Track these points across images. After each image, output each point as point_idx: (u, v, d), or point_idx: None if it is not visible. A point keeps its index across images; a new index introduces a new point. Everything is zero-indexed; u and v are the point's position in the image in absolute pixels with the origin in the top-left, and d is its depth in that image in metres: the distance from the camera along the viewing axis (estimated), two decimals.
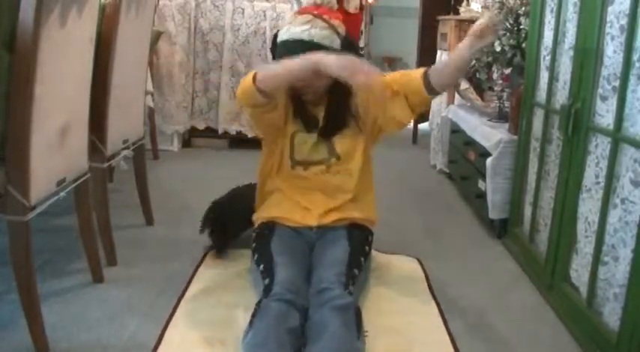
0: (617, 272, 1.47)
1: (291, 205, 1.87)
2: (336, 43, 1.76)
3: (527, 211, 2.17)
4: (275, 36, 1.85)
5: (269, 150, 1.92)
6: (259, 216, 1.90)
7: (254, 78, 1.64)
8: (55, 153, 1.51)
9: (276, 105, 1.74)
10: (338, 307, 1.44)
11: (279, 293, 1.49)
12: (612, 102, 1.51)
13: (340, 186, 1.87)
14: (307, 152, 1.86)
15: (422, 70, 1.80)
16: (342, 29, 1.80)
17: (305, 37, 1.72)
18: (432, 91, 1.78)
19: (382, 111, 1.81)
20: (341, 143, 1.86)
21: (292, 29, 1.75)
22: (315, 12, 1.78)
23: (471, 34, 1.73)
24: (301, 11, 1.84)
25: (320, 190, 1.87)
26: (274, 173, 1.91)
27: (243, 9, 3.77)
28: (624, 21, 1.46)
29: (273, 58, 1.87)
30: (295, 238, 1.81)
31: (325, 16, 1.77)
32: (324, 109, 1.84)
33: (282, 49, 1.76)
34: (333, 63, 1.56)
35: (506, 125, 2.51)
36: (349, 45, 1.81)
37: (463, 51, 1.74)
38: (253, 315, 1.46)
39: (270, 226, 1.83)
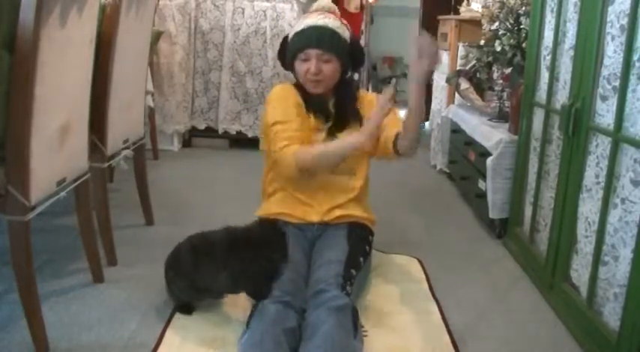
0: (617, 272, 1.47)
1: (294, 202, 1.88)
2: (346, 34, 1.86)
3: (528, 211, 2.16)
4: (284, 40, 1.92)
5: None
6: (262, 214, 1.91)
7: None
8: (55, 153, 1.51)
9: None
10: (334, 308, 1.45)
11: (276, 295, 1.49)
12: (612, 102, 1.51)
13: (344, 186, 1.88)
14: None
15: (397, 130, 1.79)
16: (349, 29, 1.90)
17: (321, 23, 1.81)
18: (397, 151, 1.79)
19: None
20: None
21: (306, 21, 1.85)
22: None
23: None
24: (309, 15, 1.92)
25: (323, 188, 1.87)
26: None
27: (243, 9, 3.77)
28: (624, 21, 1.46)
29: (283, 63, 1.94)
30: (296, 236, 1.81)
31: (335, 14, 1.89)
32: (333, 104, 1.90)
33: (298, 38, 1.83)
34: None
35: (507, 125, 2.51)
36: (355, 46, 1.90)
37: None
38: (250, 316, 1.46)
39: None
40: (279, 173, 1.84)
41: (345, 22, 1.92)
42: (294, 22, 3.76)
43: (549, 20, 2.02)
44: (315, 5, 1.92)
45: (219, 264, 1.55)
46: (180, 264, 1.62)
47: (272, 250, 1.58)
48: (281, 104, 1.84)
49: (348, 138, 1.75)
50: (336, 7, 1.93)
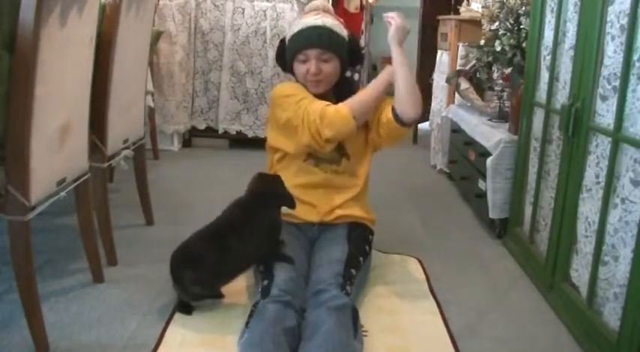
0: (617, 272, 1.47)
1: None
2: (344, 33, 1.86)
3: (528, 211, 2.16)
4: (281, 43, 1.91)
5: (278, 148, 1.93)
6: None
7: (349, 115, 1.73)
8: (55, 153, 1.51)
9: None
10: (334, 307, 1.45)
11: (276, 295, 1.49)
12: (612, 102, 1.51)
13: (344, 185, 1.89)
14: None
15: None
16: (346, 27, 1.90)
17: (318, 23, 1.81)
18: (399, 120, 1.78)
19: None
20: (350, 143, 1.86)
21: (304, 20, 1.84)
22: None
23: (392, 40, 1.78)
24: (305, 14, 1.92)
25: (324, 188, 1.87)
26: (284, 166, 1.91)
27: (243, 9, 3.77)
28: (624, 21, 1.46)
29: (282, 66, 1.93)
30: (297, 236, 1.82)
31: (330, 13, 1.88)
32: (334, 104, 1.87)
33: (296, 39, 1.82)
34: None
35: (507, 125, 2.51)
36: (353, 43, 1.90)
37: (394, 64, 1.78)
38: (250, 316, 1.46)
39: None
40: (335, 132, 1.72)
41: (341, 20, 1.92)
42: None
43: (549, 20, 2.02)
44: (308, 6, 1.92)
45: (236, 222, 1.67)
46: (187, 252, 1.64)
47: (276, 195, 1.72)
48: (301, 90, 1.83)
49: (380, 78, 1.80)
50: (330, 6, 1.93)
